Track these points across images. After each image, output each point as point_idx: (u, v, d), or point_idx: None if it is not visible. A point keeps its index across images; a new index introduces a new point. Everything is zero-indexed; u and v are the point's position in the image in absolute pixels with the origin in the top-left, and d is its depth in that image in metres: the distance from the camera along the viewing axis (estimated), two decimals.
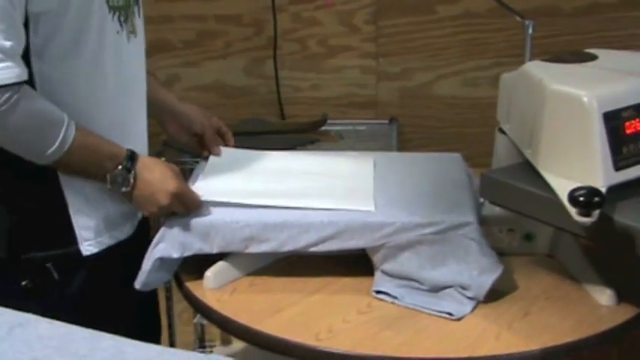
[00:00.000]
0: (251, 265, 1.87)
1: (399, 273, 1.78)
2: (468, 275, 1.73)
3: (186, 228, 1.77)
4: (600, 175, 1.54)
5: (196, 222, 1.78)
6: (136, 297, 1.82)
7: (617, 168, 1.55)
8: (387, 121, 3.02)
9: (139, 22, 1.87)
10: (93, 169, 1.75)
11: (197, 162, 2.16)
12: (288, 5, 2.99)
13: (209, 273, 1.81)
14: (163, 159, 1.93)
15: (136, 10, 1.86)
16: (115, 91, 1.81)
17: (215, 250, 1.79)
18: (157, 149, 2.43)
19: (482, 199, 1.89)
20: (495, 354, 1.57)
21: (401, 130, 3.01)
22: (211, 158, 2.12)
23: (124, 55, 1.82)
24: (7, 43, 1.58)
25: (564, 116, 1.60)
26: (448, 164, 2.11)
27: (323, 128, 2.81)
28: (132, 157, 1.77)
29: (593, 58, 1.81)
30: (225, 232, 1.77)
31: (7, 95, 1.59)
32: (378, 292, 1.77)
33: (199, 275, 1.82)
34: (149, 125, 1.97)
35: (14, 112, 1.61)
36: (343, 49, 3.03)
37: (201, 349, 2.98)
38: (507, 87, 1.88)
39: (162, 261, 1.78)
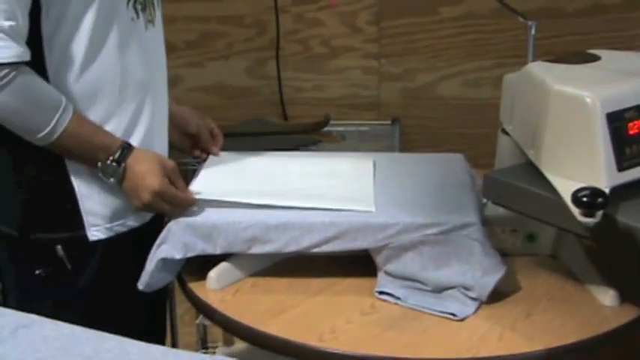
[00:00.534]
0: (254, 265, 1.87)
1: (402, 274, 1.78)
2: (471, 276, 1.73)
3: (189, 229, 1.77)
4: (603, 175, 1.54)
5: (199, 223, 1.78)
6: (146, 293, 1.82)
7: (621, 168, 1.55)
8: (389, 122, 3.02)
9: (158, 13, 1.88)
10: (85, 156, 1.76)
11: (198, 162, 2.16)
12: (291, 6, 2.99)
13: (212, 274, 1.81)
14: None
15: (155, 1, 1.86)
16: (136, 77, 1.82)
17: (218, 251, 1.79)
18: None
19: (485, 200, 1.89)
20: (499, 355, 1.57)
21: (403, 130, 3.01)
22: (210, 158, 2.12)
23: (143, 42, 1.83)
24: (7, 23, 1.59)
25: (567, 117, 1.60)
26: (451, 165, 2.11)
27: (325, 129, 2.81)
28: (126, 148, 1.77)
29: (596, 58, 1.81)
30: (227, 233, 1.77)
31: (3, 72, 1.60)
32: (381, 292, 1.76)
33: (202, 276, 1.82)
34: None
35: (9, 91, 1.62)
36: (346, 49, 3.03)
37: (203, 350, 2.98)
38: (510, 88, 1.88)
39: (165, 262, 1.78)
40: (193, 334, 3.04)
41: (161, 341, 2.17)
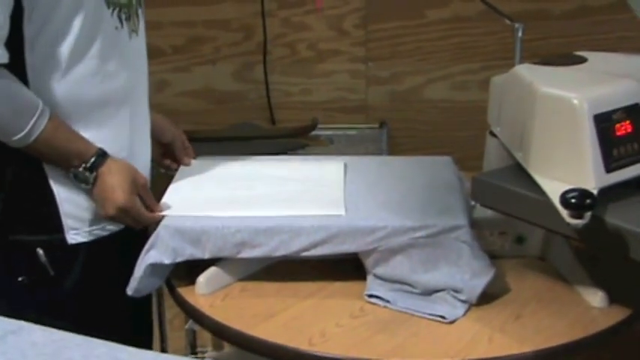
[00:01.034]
0: (243, 270, 1.87)
1: (391, 277, 1.78)
2: (460, 278, 1.73)
3: (178, 234, 1.77)
4: (592, 177, 1.54)
5: (188, 228, 1.78)
6: (130, 297, 1.81)
7: (609, 170, 1.56)
8: (377, 126, 3.02)
9: (141, 23, 1.88)
10: (59, 161, 1.76)
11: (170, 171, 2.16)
12: (278, 10, 2.99)
13: (201, 279, 1.81)
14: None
15: (139, 11, 1.87)
16: (117, 86, 1.82)
17: (207, 256, 1.79)
18: None
19: (473, 202, 1.89)
20: (488, 357, 1.57)
21: (391, 134, 3.01)
22: (181, 168, 2.12)
23: (126, 52, 1.83)
24: None
25: (555, 119, 1.60)
26: (439, 168, 2.11)
27: (313, 133, 2.81)
28: (100, 156, 1.78)
29: (583, 60, 1.81)
30: (216, 238, 1.77)
31: None
32: (371, 295, 1.77)
33: (191, 281, 1.82)
34: None
35: None
36: (333, 53, 3.03)
37: (192, 355, 2.98)
38: (498, 90, 1.88)
39: (154, 267, 1.78)
40: (182, 339, 3.03)
41: (147, 344, 2.16)
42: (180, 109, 3.06)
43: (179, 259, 1.78)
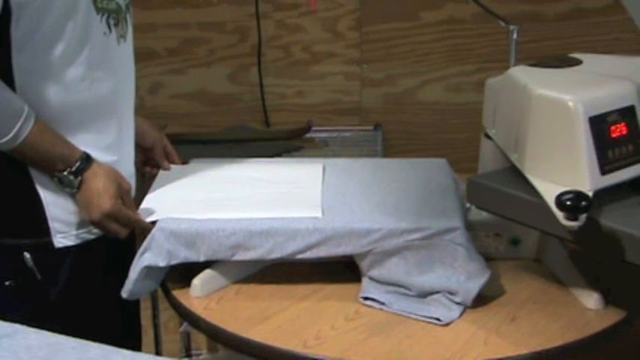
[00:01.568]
0: (238, 272, 1.86)
1: (386, 279, 1.78)
2: (455, 280, 1.73)
3: (173, 236, 1.77)
4: (587, 179, 1.54)
5: (182, 230, 1.77)
6: (120, 299, 1.81)
7: (604, 172, 1.56)
8: (371, 128, 3.02)
9: (129, 29, 1.88)
10: (44, 165, 1.75)
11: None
12: (272, 12, 2.98)
13: (196, 281, 1.81)
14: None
15: (127, 16, 1.86)
16: (104, 91, 1.82)
17: (202, 259, 1.79)
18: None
19: (468, 205, 1.89)
20: (484, 359, 1.57)
21: (386, 136, 3.01)
22: (160, 173, 2.12)
23: (114, 57, 1.83)
24: None
25: (550, 121, 1.60)
26: (434, 170, 2.11)
27: (308, 135, 2.81)
28: (85, 160, 1.77)
29: (578, 62, 1.81)
30: (211, 241, 1.77)
31: None
32: (366, 298, 1.76)
33: (186, 284, 1.82)
34: None
35: None
36: (327, 55, 3.02)
37: (187, 358, 2.97)
38: (492, 92, 1.88)
39: (149, 269, 1.77)
40: (177, 342, 3.03)
41: (137, 349, 2.16)
42: (175, 112, 3.06)
43: (174, 262, 1.78)
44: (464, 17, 2.93)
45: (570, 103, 1.56)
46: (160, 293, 1.93)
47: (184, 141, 2.61)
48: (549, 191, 1.56)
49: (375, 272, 1.79)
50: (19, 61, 1.68)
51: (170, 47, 3.03)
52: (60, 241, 1.81)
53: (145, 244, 1.77)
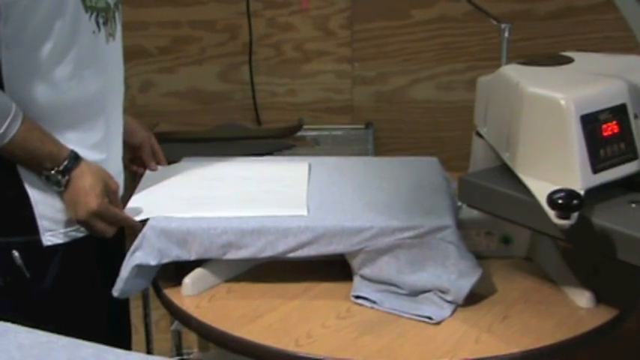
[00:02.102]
0: (229, 271, 1.86)
1: (377, 277, 1.78)
2: (446, 279, 1.73)
3: (164, 235, 1.77)
4: (579, 177, 1.54)
5: (174, 229, 1.77)
6: (109, 297, 1.80)
7: (595, 170, 1.56)
8: (362, 126, 3.02)
9: (118, 27, 1.88)
10: (32, 164, 1.75)
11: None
12: (263, 10, 2.98)
13: (187, 280, 1.80)
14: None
15: (116, 14, 1.86)
16: (93, 89, 1.81)
17: (193, 257, 1.79)
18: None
19: (459, 203, 1.89)
20: (475, 357, 1.57)
21: (377, 134, 3.01)
22: (147, 173, 2.12)
23: (102, 55, 1.83)
24: None
25: (542, 119, 1.60)
26: (425, 168, 2.11)
27: (299, 134, 2.81)
28: (73, 159, 1.77)
29: (569, 60, 1.81)
30: (202, 239, 1.77)
31: None
32: (357, 297, 1.76)
33: (177, 282, 1.81)
34: None
35: None
36: (318, 53, 3.02)
37: (179, 357, 2.97)
38: (484, 90, 1.88)
39: (140, 268, 1.77)
40: (168, 341, 3.03)
41: (127, 347, 2.15)
42: (166, 110, 3.06)
43: (165, 260, 1.78)
44: (455, 15, 2.93)
45: (562, 102, 1.56)
46: (151, 292, 1.93)
47: (175, 139, 2.62)
48: (541, 190, 1.56)
49: (366, 271, 1.78)
50: (7, 59, 1.68)
51: (161, 45, 3.03)
52: (48, 239, 1.80)
53: (136, 242, 1.77)
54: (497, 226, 1.88)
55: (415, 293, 1.76)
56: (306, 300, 1.79)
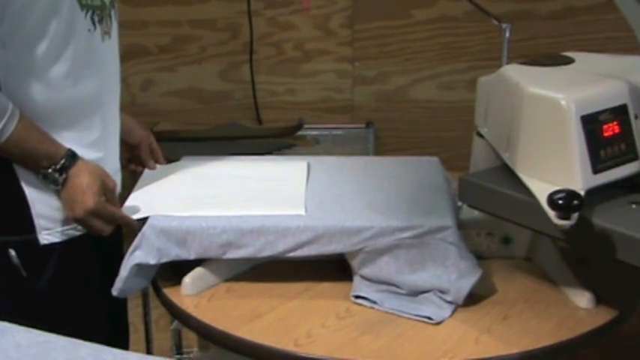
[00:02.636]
0: (229, 270, 1.86)
1: (377, 277, 1.77)
2: (446, 279, 1.73)
3: (163, 234, 1.76)
4: (579, 178, 1.54)
5: (173, 228, 1.77)
6: (107, 296, 1.80)
7: (596, 171, 1.56)
8: (363, 126, 3.02)
9: (114, 25, 1.87)
10: (29, 162, 1.75)
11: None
12: (264, 10, 2.98)
13: (187, 279, 1.80)
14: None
15: (112, 13, 1.86)
16: (89, 88, 1.81)
17: (192, 257, 1.78)
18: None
19: (460, 203, 1.89)
20: (475, 358, 1.57)
21: (377, 134, 3.01)
22: (145, 172, 2.12)
23: (98, 54, 1.83)
24: None
25: (542, 119, 1.60)
26: (425, 168, 2.11)
27: (299, 133, 2.81)
28: (70, 157, 1.77)
29: (570, 61, 1.81)
30: (202, 239, 1.76)
31: None
32: (357, 296, 1.76)
33: (177, 281, 1.81)
34: None
35: None
36: (319, 53, 3.03)
37: (178, 356, 2.97)
38: (485, 90, 1.88)
39: (140, 267, 1.77)
40: (168, 340, 3.03)
41: (124, 347, 2.15)
42: (166, 109, 3.06)
43: (165, 260, 1.77)
44: (456, 15, 2.93)
45: (563, 102, 1.56)
46: (151, 291, 1.92)
47: (176, 138, 2.61)
48: (541, 190, 1.55)
49: (366, 271, 1.78)
50: (3, 58, 1.68)
51: (161, 44, 3.03)
52: (45, 237, 1.80)
53: (135, 241, 1.76)
54: (497, 226, 1.88)
55: (415, 293, 1.76)
56: (305, 300, 1.78)
